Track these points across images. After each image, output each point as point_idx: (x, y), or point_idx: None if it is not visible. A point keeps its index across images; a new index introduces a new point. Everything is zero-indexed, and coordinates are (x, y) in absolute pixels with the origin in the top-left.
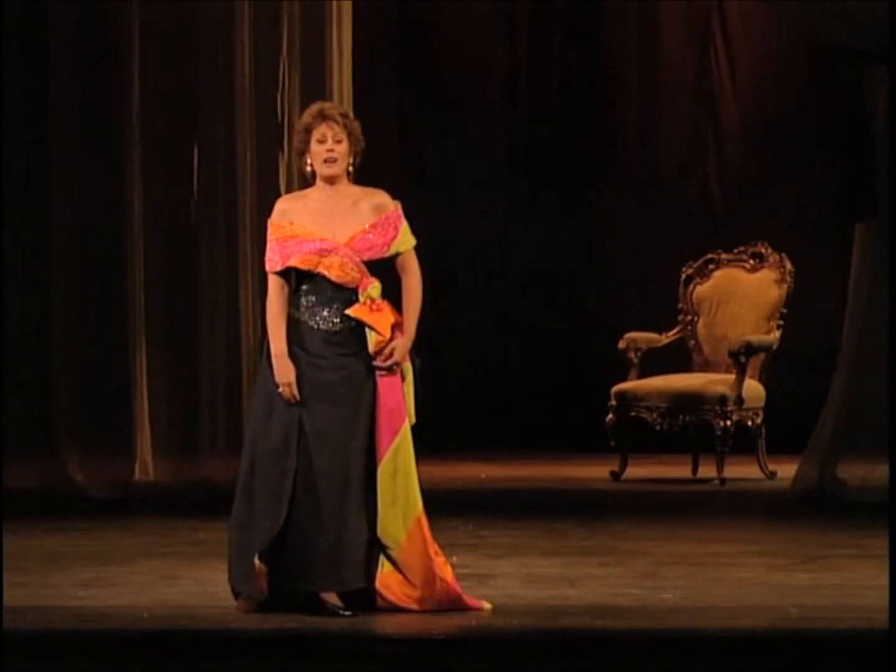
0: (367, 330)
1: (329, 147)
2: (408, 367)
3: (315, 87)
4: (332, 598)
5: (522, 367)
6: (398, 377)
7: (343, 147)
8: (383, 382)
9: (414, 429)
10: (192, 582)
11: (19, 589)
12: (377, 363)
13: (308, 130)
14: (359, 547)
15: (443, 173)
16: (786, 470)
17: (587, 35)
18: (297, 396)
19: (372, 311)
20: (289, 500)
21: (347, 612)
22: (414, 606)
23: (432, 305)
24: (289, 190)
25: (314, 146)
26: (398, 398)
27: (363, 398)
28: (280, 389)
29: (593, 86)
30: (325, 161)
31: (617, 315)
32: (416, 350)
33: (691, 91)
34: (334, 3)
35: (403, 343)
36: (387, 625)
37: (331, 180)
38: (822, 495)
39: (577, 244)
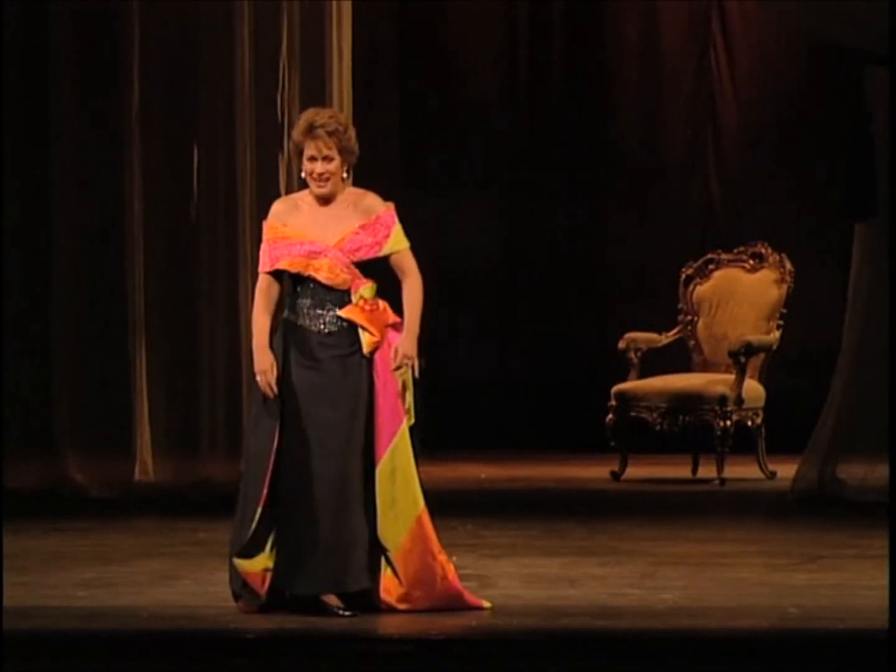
0: (360, 330)
1: (320, 170)
2: (406, 369)
3: (315, 86)
4: (332, 599)
5: (522, 366)
6: (394, 379)
7: (334, 165)
8: (380, 383)
9: (413, 429)
10: (192, 582)
11: (19, 589)
12: (394, 366)
13: (298, 146)
14: (359, 547)
15: (442, 173)
16: (786, 470)
17: (587, 35)
18: (274, 387)
19: (364, 312)
20: (265, 504)
21: (347, 613)
22: (413, 607)
23: (432, 305)
24: (289, 190)
25: (305, 163)
26: (395, 399)
27: (360, 399)
28: (258, 378)
29: (593, 86)
30: (316, 181)
31: (617, 315)
32: (420, 350)
33: (691, 91)
34: (334, 3)
35: (406, 339)
36: (387, 625)
37: (323, 199)
38: (822, 495)
39: (576, 244)
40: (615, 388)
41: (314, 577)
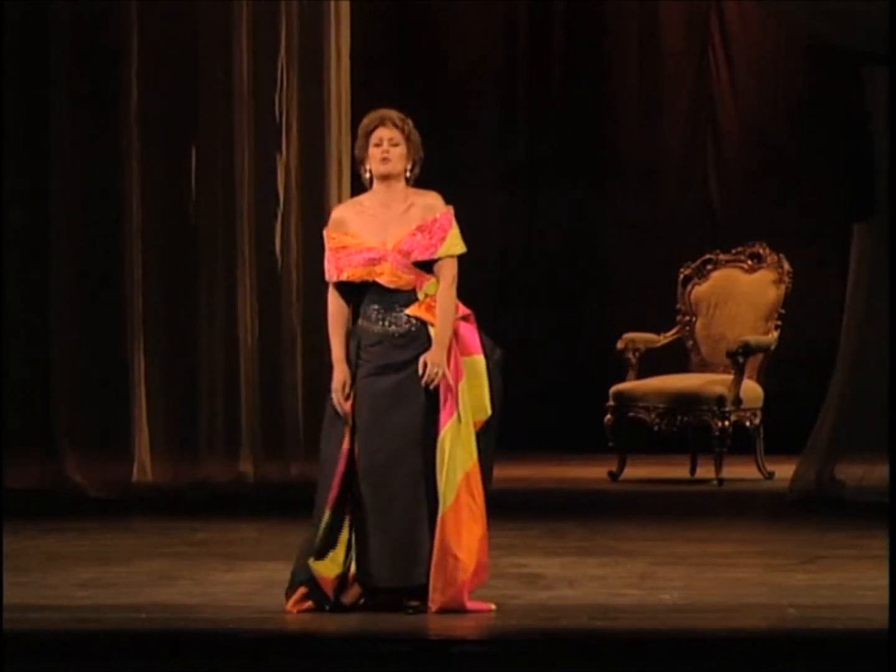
0: (429, 327)
1: (385, 149)
2: (479, 360)
3: (314, 87)
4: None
5: (522, 367)
6: (459, 373)
7: (399, 150)
8: (443, 384)
9: (492, 422)
10: (191, 582)
11: (19, 589)
12: (424, 380)
13: (367, 135)
14: (426, 543)
15: (441, 175)
16: (784, 470)
17: (587, 35)
18: (345, 405)
19: (431, 308)
20: (334, 507)
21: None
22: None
23: None
24: (286, 189)
25: (371, 150)
26: (456, 392)
27: (430, 396)
28: (332, 394)
29: (593, 86)
30: (381, 160)
31: (616, 315)
32: (495, 343)
33: (690, 92)
34: (333, 3)
35: (435, 349)
36: (387, 625)
37: (386, 178)
38: (821, 495)
39: (575, 244)
40: (613, 389)
41: (388, 570)
